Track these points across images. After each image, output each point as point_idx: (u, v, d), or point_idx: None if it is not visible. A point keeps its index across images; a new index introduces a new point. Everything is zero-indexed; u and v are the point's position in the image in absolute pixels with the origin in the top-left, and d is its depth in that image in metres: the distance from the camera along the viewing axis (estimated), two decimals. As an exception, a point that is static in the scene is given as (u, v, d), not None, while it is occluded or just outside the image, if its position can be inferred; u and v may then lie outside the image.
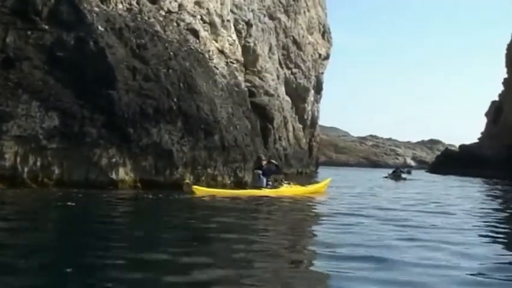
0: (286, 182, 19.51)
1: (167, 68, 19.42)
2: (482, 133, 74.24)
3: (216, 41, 25.30)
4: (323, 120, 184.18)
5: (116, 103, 17.60)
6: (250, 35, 38.64)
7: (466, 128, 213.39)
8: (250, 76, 39.14)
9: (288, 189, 18.63)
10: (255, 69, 39.34)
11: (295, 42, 49.97)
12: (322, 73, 56.93)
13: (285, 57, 48.75)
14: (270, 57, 42.18)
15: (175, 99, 18.84)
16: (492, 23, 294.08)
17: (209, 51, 23.50)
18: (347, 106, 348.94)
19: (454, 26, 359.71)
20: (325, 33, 57.20)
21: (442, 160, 78.81)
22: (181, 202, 15.03)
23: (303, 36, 51.28)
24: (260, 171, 18.23)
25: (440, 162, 77.98)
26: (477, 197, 23.05)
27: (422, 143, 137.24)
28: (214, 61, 24.02)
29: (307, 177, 41.01)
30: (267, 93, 39.44)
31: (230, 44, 26.37)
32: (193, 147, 18.67)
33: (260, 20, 40.83)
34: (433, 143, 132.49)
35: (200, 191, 16.45)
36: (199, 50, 21.90)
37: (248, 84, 38.74)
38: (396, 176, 41.31)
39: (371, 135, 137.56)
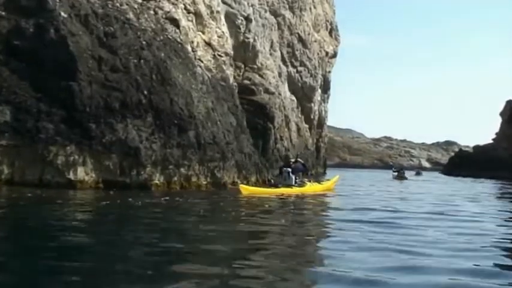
0: (307, 180, 20.16)
1: (138, 58, 17.55)
2: (497, 133, 71.25)
3: (203, 33, 23.41)
4: (338, 122, 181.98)
5: (76, 96, 15.77)
6: (249, 31, 36.70)
7: (482, 129, 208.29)
8: (249, 73, 37.24)
9: (311, 187, 19.35)
10: (255, 66, 37.39)
11: (300, 39, 47.91)
12: (330, 72, 54.73)
13: (289, 55, 46.72)
14: (271, 54, 40.17)
15: (145, 92, 16.95)
16: (508, 22, 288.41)
17: (192, 42, 21.62)
18: (362, 108, 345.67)
19: (469, 24, 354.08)
20: (332, 30, 55.02)
21: (456, 161, 75.93)
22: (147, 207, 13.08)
23: (309, 34, 49.19)
24: (289, 169, 18.37)
25: (454, 164, 75.13)
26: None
27: (437, 145, 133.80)
28: (199, 53, 22.15)
29: (313, 179, 39.12)
30: (267, 91, 37.44)
31: (219, 36, 24.44)
32: (165, 145, 16.76)
33: (261, 16, 38.87)
34: (448, 144, 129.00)
35: (247, 190, 16.44)
36: (179, 40, 19.99)
37: (247, 82, 36.84)
38: (400, 176, 43.56)
39: (385, 137, 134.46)
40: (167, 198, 14.30)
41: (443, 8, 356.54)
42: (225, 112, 20.71)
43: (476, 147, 74.23)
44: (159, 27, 19.40)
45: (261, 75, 37.47)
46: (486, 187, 35.09)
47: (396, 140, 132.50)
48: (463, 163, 70.24)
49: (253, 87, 36.83)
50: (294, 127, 43.61)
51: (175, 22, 20.44)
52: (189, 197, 14.81)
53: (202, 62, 21.98)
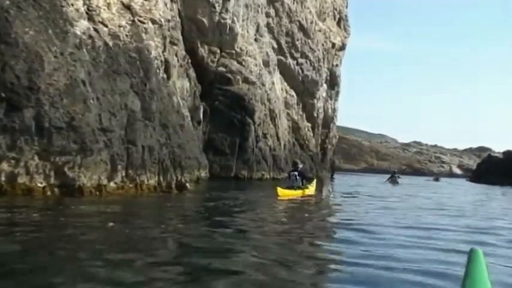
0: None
1: (-40, 4, 11.71)
2: (530, 138, 63.05)
3: (121, -7, 17.48)
4: (371, 127, 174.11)
5: None
6: (226, 10, 30.71)
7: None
8: (226, 59, 31.26)
9: (311, 189, 19.85)
10: (233, 51, 31.34)
11: (301, 28, 41.54)
12: (337, 65, 48.04)
13: (289, 45, 40.43)
14: (256, 40, 33.97)
15: (-44, 51, 11.08)
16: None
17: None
18: (397, 113, 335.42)
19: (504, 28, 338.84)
20: (341, 20, 48.34)
21: (484, 168, 67.95)
22: None
23: (312, 22, 42.76)
24: (296, 173, 18.96)
25: (482, 171, 67.19)
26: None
27: (470, 151, 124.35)
28: (104, 15, 16.21)
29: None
30: (246, 80, 31.34)
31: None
32: (-23, 128, 10.83)
33: (244, -5, 32.74)
34: (481, 150, 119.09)
35: (281, 192, 16.88)
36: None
37: (223, 69, 30.90)
38: (393, 180, 42.41)
39: (415, 142, 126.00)
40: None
41: (476, 16, 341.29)
42: (119, 90, 14.63)
43: (507, 153, 65.94)
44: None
45: (239, 62, 31.40)
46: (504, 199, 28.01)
47: (426, 145, 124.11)
48: (492, 169, 62.48)
49: (229, 75, 30.84)
50: (284, 124, 37.22)
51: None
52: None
53: (106, 26, 16.04)
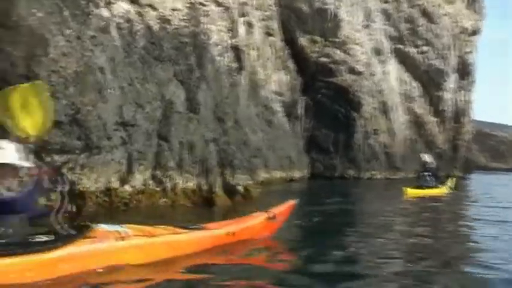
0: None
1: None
2: None
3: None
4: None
5: None
6: (328, -5, 27.72)
7: None
8: (329, 48, 28.17)
9: (444, 188, 19.38)
10: (336, 40, 28.16)
11: (424, 12, 37.01)
12: (470, 52, 42.21)
13: (409, 32, 36.20)
14: (367, 26, 30.34)
15: None
16: None
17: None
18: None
19: None
20: (473, 2, 42.48)
21: None
22: None
23: (436, 5, 37.92)
24: (429, 173, 18.86)
25: None
26: None
27: None
28: (154, -3, 14.29)
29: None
30: (352, 70, 27.97)
31: (208, -21, 16.25)
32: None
33: (349, -23, 29.42)
34: None
35: (411, 192, 16.71)
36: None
37: (325, 60, 27.90)
38: None
39: None
40: None
41: None
42: (157, 79, 12.49)
43: None
44: None
45: (345, 51, 28.12)
46: None
47: None
48: None
49: (332, 65, 27.72)
50: (402, 118, 33.05)
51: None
52: None
53: (155, 9, 14.07)
